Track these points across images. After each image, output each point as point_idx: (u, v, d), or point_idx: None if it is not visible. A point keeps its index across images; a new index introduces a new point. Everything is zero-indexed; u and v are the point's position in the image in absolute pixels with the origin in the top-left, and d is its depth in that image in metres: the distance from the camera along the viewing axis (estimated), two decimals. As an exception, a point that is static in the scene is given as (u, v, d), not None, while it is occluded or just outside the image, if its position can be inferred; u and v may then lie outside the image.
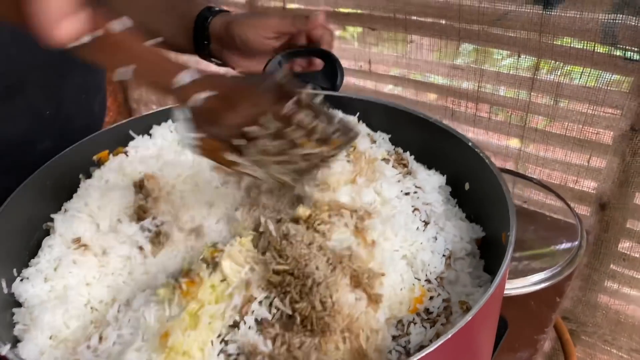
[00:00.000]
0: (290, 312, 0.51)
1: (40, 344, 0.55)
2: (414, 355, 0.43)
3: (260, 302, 0.52)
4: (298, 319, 0.51)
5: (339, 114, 0.74)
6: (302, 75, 0.88)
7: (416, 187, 0.68)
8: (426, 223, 0.63)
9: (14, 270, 0.62)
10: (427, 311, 0.56)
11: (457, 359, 0.50)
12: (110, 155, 0.75)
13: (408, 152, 0.75)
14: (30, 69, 0.80)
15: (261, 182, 0.64)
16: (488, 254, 0.62)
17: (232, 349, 0.50)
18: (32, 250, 0.65)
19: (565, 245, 0.91)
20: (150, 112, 0.82)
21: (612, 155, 1.01)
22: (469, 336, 0.49)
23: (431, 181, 0.70)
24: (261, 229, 0.59)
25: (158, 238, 0.63)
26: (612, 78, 0.96)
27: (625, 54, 0.93)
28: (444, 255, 0.60)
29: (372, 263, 0.57)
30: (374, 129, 0.79)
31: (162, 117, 0.81)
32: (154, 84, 0.52)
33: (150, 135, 0.79)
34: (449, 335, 0.44)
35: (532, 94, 1.07)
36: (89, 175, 0.72)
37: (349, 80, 1.36)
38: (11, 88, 0.79)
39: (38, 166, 0.69)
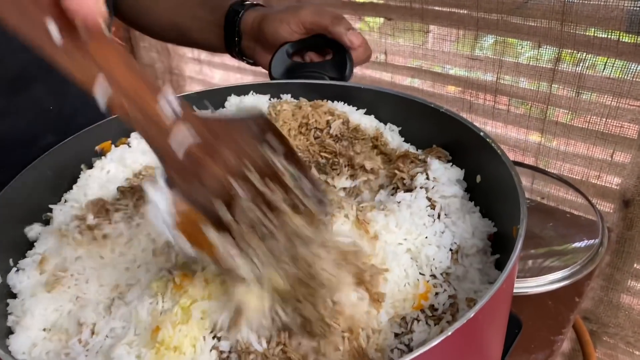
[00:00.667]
0: (290, 319, 0.49)
1: (33, 336, 0.54)
2: (416, 350, 0.40)
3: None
4: (298, 320, 0.49)
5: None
6: (310, 65, 0.85)
7: (432, 179, 0.64)
8: (438, 216, 0.60)
9: (10, 260, 0.61)
10: (432, 308, 0.53)
11: (462, 357, 0.48)
12: (113, 146, 0.74)
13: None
14: (35, 64, 0.79)
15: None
16: (500, 250, 0.59)
17: (224, 345, 0.48)
18: (31, 241, 0.64)
19: (585, 243, 0.88)
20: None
21: (637, 150, 0.97)
22: (474, 333, 0.46)
23: (448, 174, 0.67)
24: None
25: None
26: (638, 69, 0.92)
27: (652, 43, 0.88)
28: (450, 250, 0.57)
29: (374, 258, 0.54)
30: (383, 121, 0.76)
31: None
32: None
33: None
34: (452, 331, 0.41)
35: (553, 85, 1.03)
36: (90, 166, 0.71)
37: (364, 72, 1.33)
38: (15, 83, 0.79)
39: (41, 162, 0.68)
